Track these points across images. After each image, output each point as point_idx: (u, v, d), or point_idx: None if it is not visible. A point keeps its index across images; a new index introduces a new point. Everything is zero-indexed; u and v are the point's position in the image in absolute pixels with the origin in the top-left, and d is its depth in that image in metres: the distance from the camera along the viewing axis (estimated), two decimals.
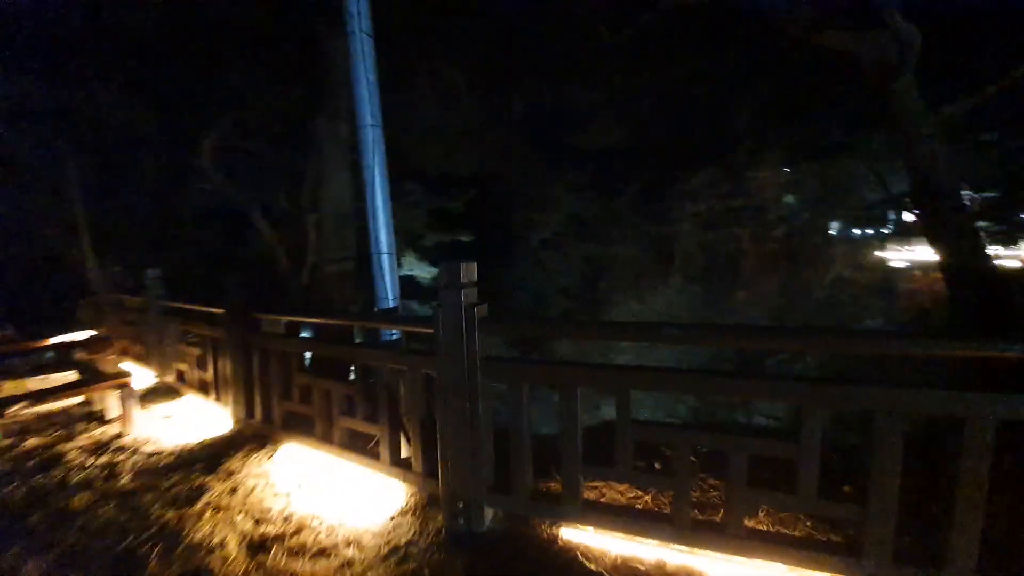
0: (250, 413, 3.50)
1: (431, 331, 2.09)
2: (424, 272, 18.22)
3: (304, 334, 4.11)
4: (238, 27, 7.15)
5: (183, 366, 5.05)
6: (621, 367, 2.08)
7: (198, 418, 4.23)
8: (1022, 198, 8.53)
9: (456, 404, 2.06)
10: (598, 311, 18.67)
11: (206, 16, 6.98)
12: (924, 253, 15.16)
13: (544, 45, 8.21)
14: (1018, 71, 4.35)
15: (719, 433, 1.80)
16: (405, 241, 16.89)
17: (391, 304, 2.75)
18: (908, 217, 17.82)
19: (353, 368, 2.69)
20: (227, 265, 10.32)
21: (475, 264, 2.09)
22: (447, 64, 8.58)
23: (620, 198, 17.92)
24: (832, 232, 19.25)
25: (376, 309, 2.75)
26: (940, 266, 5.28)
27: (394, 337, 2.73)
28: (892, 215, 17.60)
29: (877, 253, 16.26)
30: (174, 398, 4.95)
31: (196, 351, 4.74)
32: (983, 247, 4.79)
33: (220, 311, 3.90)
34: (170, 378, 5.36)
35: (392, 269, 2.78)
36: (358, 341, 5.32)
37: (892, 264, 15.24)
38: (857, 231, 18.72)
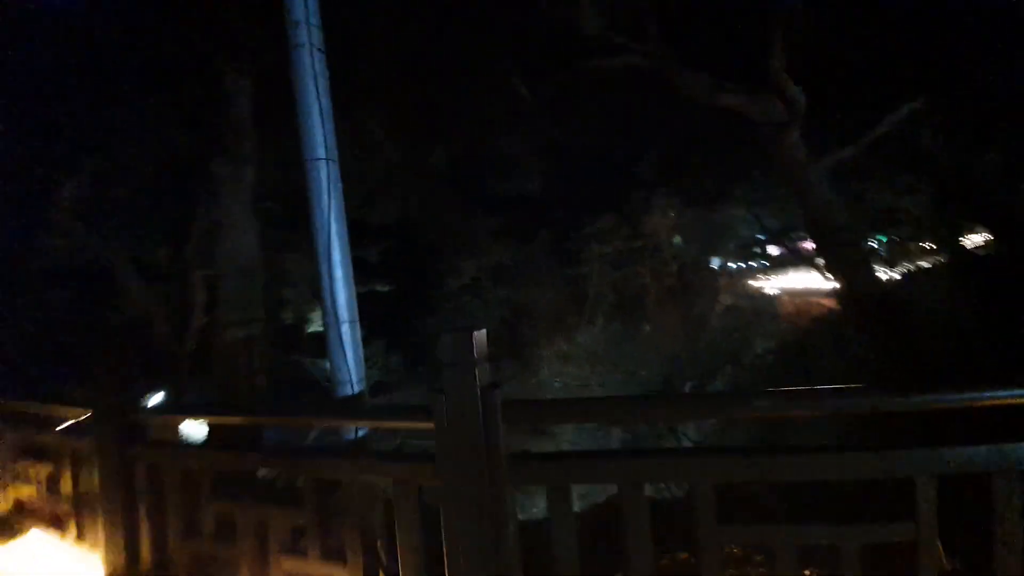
0: (133, 557, 2.41)
1: (426, 426, 1.55)
2: None
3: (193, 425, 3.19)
4: (123, 63, 6.19)
5: (25, 492, 3.66)
6: (695, 451, 1.75)
7: (49, 566, 3.00)
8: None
9: (471, 529, 1.49)
10: (522, 354, 18.67)
11: (91, 50, 5.94)
12: (790, 281, 17.76)
13: (467, 97, 8.32)
14: (879, 130, 5.26)
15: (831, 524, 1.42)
16: (312, 293, 15.49)
17: (355, 388, 2.15)
18: (774, 251, 20.85)
19: (299, 485, 1.90)
20: (86, 335, 8.35)
21: (485, 332, 1.68)
22: (366, 114, 8.27)
23: (535, 243, 18.56)
24: (714, 267, 21.86)
25: (337, 395, 2.12)
26: (838, 291, 6.01)
27: (360, 435, 2.09)
28: (761, 250, 20.41)
29: (753, 283, 18.60)
30: (10, 537, 3.55)
31: (45, 469, 3.41)
32: (874, 274, 5.54)
33: (82, 411, 2.70)
34: (3, 508, 3.88)
35: (356, 343, 2.21)
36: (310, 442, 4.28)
37: (766, 291, 17.48)
38: (734, 265, 21.31)
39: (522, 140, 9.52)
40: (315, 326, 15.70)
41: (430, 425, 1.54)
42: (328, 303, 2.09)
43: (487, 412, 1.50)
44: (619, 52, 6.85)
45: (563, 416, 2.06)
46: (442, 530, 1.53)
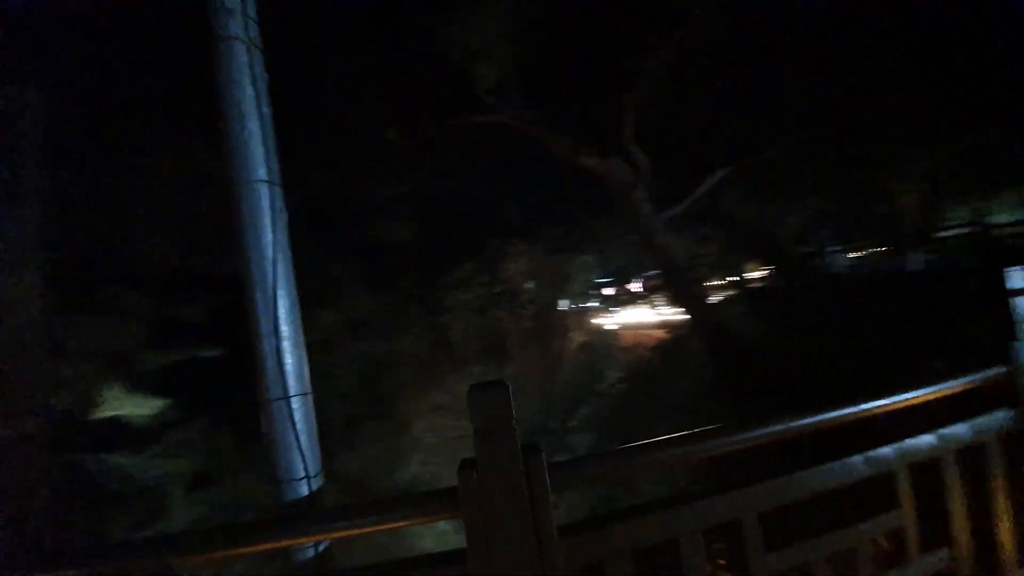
0: None
1: (439, 517, 1.28)
2: (138, 408, 13.19)
3: None
4: None
5: None
6: (737, 485, 1.56)
7: None
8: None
9: None
10: (390, 412, 17.36)
11: None
12: (625, 317, 20.45)
13: (332, 137, 7.87)
14: (700, 191, 6.57)
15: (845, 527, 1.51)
16: (106, 366, 12.03)
17: (312, 484, 1.56)
18: (608, 292, 23.89)
19: None
20: None
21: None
22: (197, 142, 7.20)
23: (398, 292, 17.90)
24: (564, 308, 24.04)
25: (288, 496, 1.56)
26: (671, 322, 7.08)
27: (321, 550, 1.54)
28: (600, 291, 23.20)
29: (596, 321, 20.92)
30: None
31: None
32: (706, 304, 6.71)
33: None
34: None
35: (311, 424, 1.67)
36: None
37: (608, 327, 19.80)
38: (579, 305, 23.71)
39: (391, 186, 9.31)
40: (108, 410, 12.19)
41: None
42: (271, 372, 1.61)
43: (534, 484, 1.28)
44: (487, 111, 7.34)
45: (613, 469, 1.55)
46: None
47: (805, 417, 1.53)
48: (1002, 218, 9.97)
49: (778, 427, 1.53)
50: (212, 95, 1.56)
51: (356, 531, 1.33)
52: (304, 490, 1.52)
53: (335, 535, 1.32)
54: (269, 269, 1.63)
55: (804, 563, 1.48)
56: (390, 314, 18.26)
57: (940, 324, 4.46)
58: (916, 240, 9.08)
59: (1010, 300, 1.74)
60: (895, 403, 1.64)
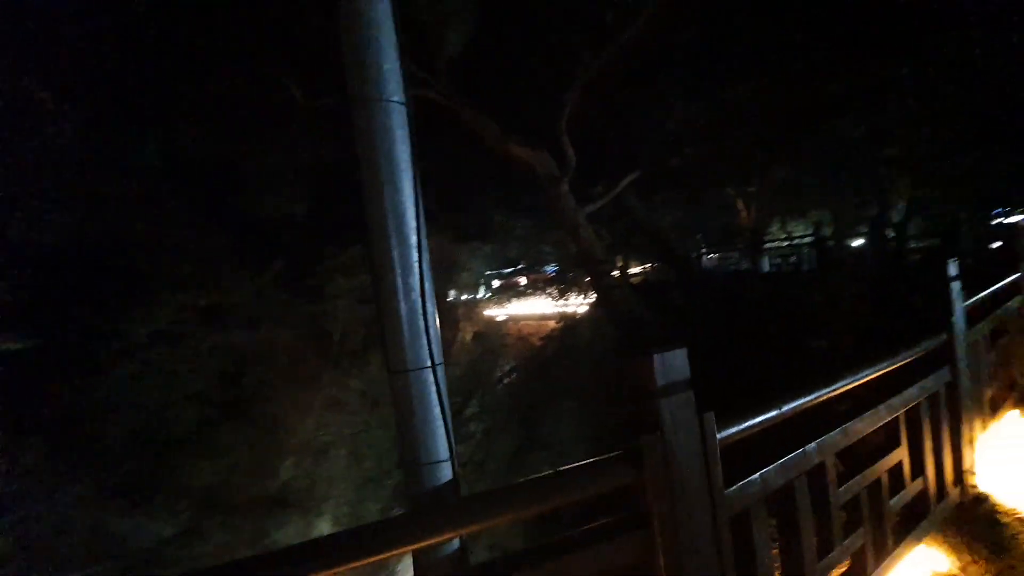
0: None
1: (620, 480, 1.21)
2: None
3: None
4: None
5: None
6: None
7: None
8: None
9: None
10: (261, 414, 15.30)
11: None
12: (514, 308, 21.14)
13: (224, 87, 6.62)
14: (616, 188, 7.13)
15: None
16: None
17: (453, 467, 1.31)
18: (496, 284, 24.43)
19: None
20: None
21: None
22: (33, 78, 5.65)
23: (266, 275, 15.69)
24: (465, 298, 23.87)
25: (426, 482, 1.18)
26: (604, 310, 7.63)
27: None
28: (492, 281, 23.59)
29: (487, 312, 21.26)
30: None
31: None
32: (630, 295, 7.33)
33: None
34: None
35: (446, 397, 1.41)
36: None
37: (499, 319, 20.30)
38: (473, 295, 23.71)
39: (290, 153, 8.14)
40: None
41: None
42: (411, 339, 1.27)
43: (707, 440, 1.28)
44: (416, 83, 6.92)
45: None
46: None
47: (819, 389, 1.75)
48: (811, 233, 12.88)
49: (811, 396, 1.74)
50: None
51: (527, 511, 1.18)
52: (448, 473, 1.27)
53: (502, 519, 1.14)
54: (409, 216, 1.28)
55: (855, 495, 1.77)
56: (261, 301, 16.06)
57: (807, 313, 5.68)
58: (759, 248, 11.25)
59: (949, 284, 2.29)
60: (871, 374, 2.01)
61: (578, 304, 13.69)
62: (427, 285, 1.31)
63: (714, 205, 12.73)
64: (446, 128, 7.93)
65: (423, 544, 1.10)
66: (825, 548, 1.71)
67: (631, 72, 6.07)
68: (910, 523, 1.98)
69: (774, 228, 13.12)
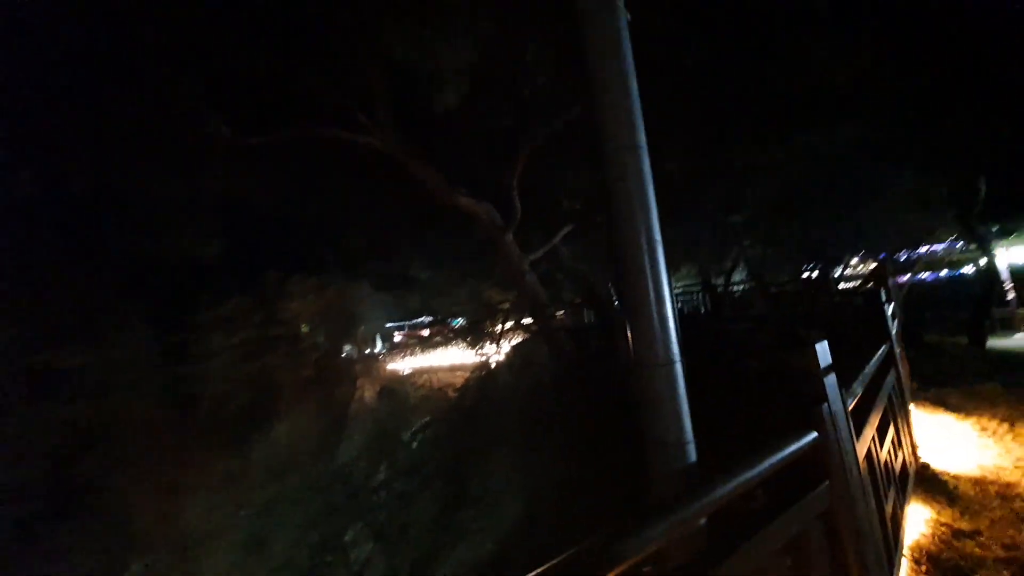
0: None
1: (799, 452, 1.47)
2: None
3: None
4: None
5: None
6: None
7: None
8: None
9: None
10: (86, 504, 12.04)
11: None
12: (417, 361, 20.44)
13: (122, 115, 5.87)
14: (555, 238, 7.84)
15: None
16: None
17: (690, 452, 1.46)
18: (398, 337, 23.49)
19: None
20: None
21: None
22: None
23: (130, 332, 12.91)
24: (345, 355, 22.18)
25: (663, 465, 1.28)
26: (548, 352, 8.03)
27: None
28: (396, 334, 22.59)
29: (390, 366, 20.25)
30: None
31: None
32: (563, 336, 7.84)
33: None
34: None
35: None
36: None
37: (403, 373, 19.46)
38: (370, 351, 22.37)
39: (205, 190, 7.28)
40: None
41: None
42: (658, 338, 1.39)
43: (847, 411, 1.67)
44: (358, 129, 6.95)
45: None
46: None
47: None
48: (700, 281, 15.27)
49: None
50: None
51: (752, 484, 1.40)
52: (692, 455, 1.39)
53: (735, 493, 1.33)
54: (655, 230, 1.49)
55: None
56: (112, 362, 13.12)
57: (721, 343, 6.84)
58: None
59: (887, 318, 3.17)
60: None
61: (493, 353, 13.93)
62: (667, 294, 1.53)
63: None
64: (383, 175, 7.95)
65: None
66: None
67: (571, 139, 6.94)
68: (905, 485, 2.61)
69: None
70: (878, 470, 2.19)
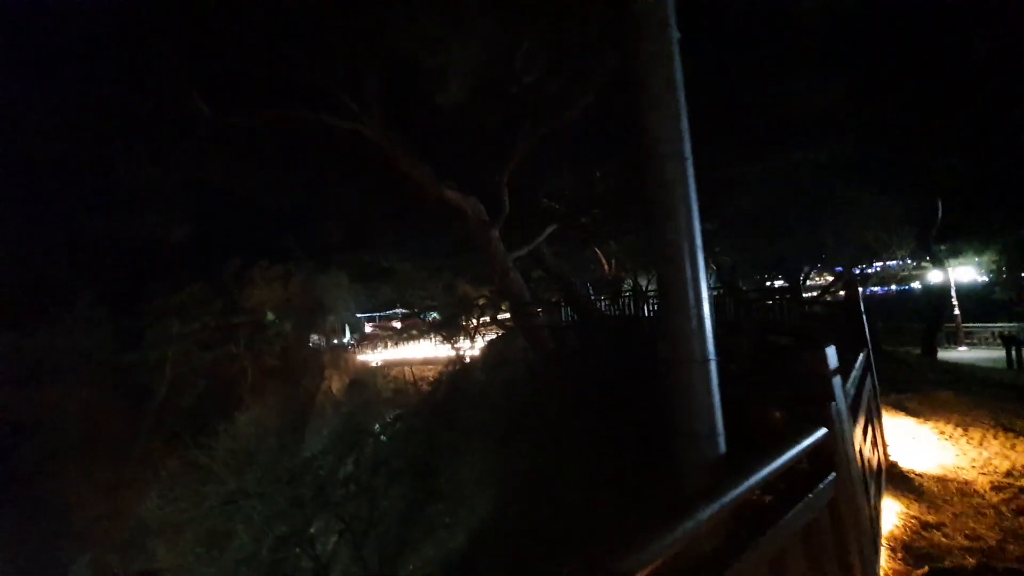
0: None
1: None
2: None
3: None
4: None
5: None
6: None
7: None
8: None
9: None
10: (21, 496, 11.26)
11: None
12: (388, 354, 20.08)
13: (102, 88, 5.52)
14: (540, 237, 7.90)
15: None
16: None
17: (721, 444, 1.52)
18: (369, 328, 23.00)
19: None
20: None
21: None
22: None
23: (69, 317, 12.02)
24: (312, 345, 21.54)
25: (691, 455, 1.30)
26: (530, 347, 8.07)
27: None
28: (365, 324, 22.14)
29: (360, 357, 19.83)
30: None
31: None
32: (545, 334, 7.92)
33: None
34: None
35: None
36: None
37: (372, 364, 19.11)
38: (338, 341, 21.71)
39: (177, 171, 6.89)
40: None
41: None
42: (696, 338, 1.43)
43: (849, 411, 1.78)
44: (348, 116, 6.79)
45: None
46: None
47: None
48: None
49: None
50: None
51: (774, 476, 1.48)
52: (723, 446, 1.45)
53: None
54: (697, 236, 1.54)
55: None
56: (51, 349, 12.21)
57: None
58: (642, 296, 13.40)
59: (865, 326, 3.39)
60: None
61: (467, 347, 13.89)
62: (706, 297, 1.58)
63: (588, 259, 14.70)
64: (364, 164, 7.79)
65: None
66: None
67: (563, 140, 7.01)
68: (880, 481, 2.80)
69: (628, 280, 15.67)
70: (864, 466, 2.34)
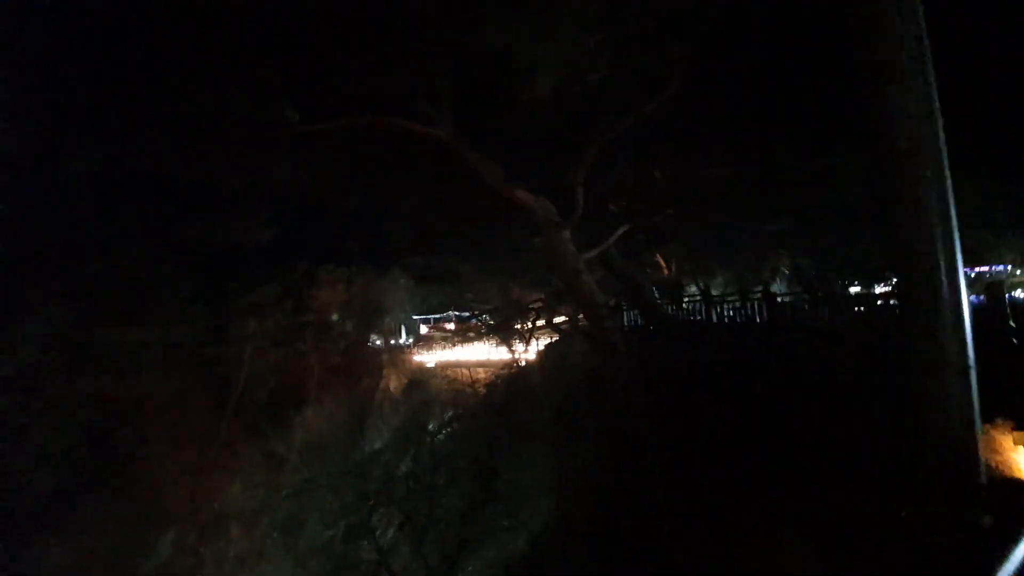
0: None
1: None
2: None
3: None
4: None
5: None
6: None
7: None
8: None
9: None
10: (118, 477, 12.28)
11: None
12: (443, 355, 20.39)
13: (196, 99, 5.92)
14: (612, 238, 7.72)
15: None
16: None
17: None
18: (424, 330, 23.56)
19: None
20: None
21: None
22: None
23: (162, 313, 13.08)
24: (372, 344, 22.26)
25: None
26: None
27: None
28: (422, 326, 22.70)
29: (415, 358, 20.30)
30: None
31: None
32: (619, 336, 7.70)
33: None
34: None
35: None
36: None
37: (428, 364, 19.48)
38: (387, 342, 22.35)
39: (266, 176, 7.34)
40: None
41: None
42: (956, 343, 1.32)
43: None
44: (425, 120, 6.92)
45: None
46: None
47: None
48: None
49: None
50: None
51: None
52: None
53: None
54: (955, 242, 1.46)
55: None
56: (142, 343, 13.25)
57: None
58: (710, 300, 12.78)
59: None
60: None
61: (523, 351, 13.80)
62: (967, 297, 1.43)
63: (646, 262, 14.32)
64: (436, 167, 7.93)
65: None
66: None
67: (641, 139, 6.83)
68: None
69: (688, 283, 15.05)
70: None
